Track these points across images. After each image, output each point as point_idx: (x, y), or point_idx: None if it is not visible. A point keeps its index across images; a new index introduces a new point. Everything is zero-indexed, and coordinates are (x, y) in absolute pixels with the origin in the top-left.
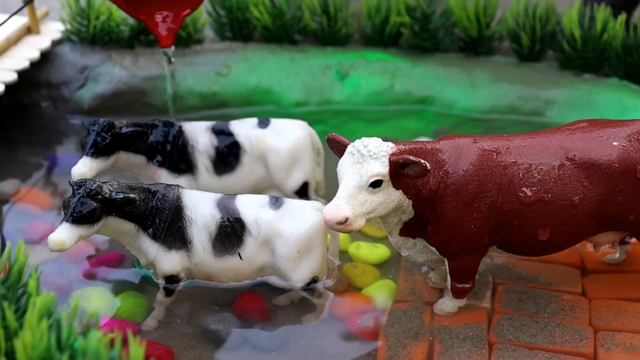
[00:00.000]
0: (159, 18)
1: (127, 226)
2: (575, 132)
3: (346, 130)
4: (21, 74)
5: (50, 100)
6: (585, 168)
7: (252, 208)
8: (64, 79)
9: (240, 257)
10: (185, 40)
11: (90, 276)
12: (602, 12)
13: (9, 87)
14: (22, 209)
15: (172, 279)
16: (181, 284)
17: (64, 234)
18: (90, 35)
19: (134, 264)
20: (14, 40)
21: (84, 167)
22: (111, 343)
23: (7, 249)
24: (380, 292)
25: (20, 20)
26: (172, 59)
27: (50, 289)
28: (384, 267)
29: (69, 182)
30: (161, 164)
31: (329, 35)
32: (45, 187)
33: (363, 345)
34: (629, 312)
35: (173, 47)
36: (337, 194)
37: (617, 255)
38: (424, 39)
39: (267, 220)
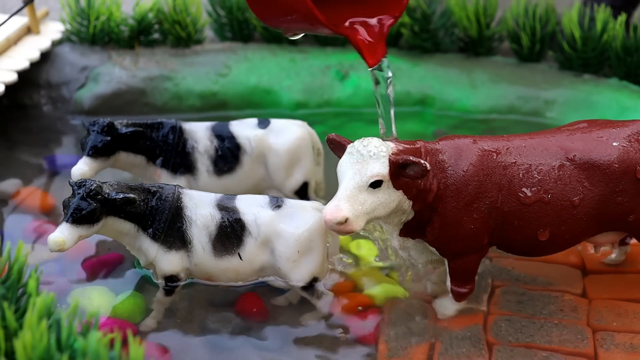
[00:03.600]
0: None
1: (127, 226)
2: (575, 133)
3: (346, 131)
4: (21, 74)
5: (50, 101)
6: (585, 168)
7: (252, 208)
8: (64, 79)
9: (240, 258)
10: (185, 40)
11: (89, 276)
12: (602, 13)
13: (9, 87)
14: (22, 209)
15: (171, 279)
16: (181, 283)
17: (64, 234)
18: (90, 35)
19: (133, 264)
20: (14, 40)
21: (84, 167)
22: (111, 343)
23: (7, 249)
24: (381, 293)
25: (20, 20)
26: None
27: (50, 289)
28: (384, 269)
29: (69, 182)
30: (161, 165)
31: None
32: (45, 187)
33: (363, 346)
34: (629, 313)
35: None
36: (337, 194)
37: (614, 255)
38: (424, 40)
39: (267, 221)
